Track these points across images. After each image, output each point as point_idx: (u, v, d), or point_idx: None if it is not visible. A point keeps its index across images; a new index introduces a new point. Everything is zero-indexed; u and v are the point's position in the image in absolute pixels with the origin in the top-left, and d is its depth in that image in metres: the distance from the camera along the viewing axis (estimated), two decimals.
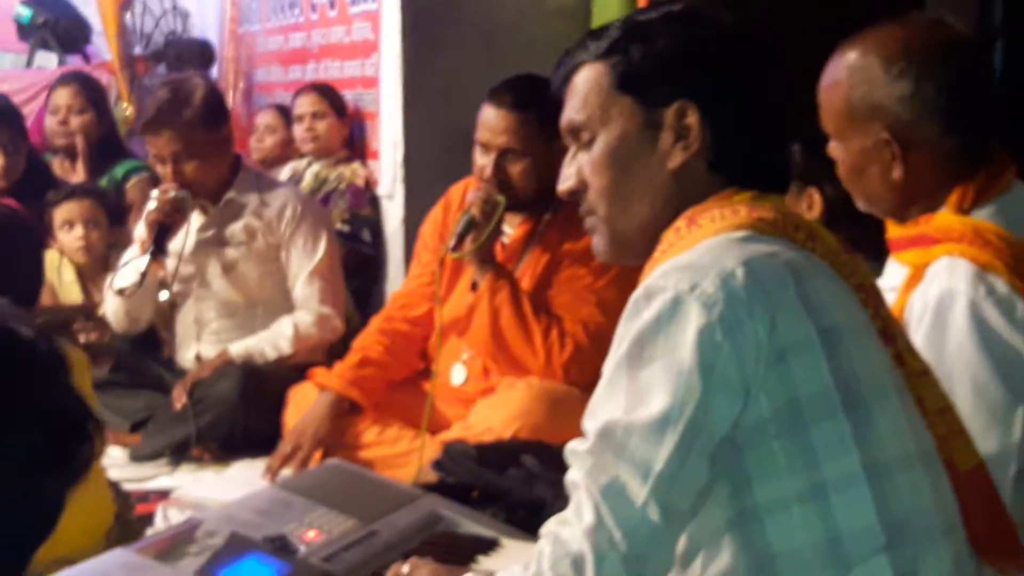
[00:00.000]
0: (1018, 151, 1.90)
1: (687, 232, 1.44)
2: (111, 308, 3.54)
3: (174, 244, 3.46)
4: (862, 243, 1.66)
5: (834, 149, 1.91)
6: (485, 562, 2.05)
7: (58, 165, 4.49)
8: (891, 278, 1.89)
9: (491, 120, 2.92)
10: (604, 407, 1.39)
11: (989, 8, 4.70)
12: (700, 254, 1.39)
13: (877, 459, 1.36)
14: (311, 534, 2.00)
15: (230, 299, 3.53)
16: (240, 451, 3.23)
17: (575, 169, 1.55)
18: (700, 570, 1.41)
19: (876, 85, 1.81)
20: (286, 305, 3.53)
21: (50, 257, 3.58)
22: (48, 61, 6.06)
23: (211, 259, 3.51)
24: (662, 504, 1.34)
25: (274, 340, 3.44)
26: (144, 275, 3.37)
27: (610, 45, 1.50)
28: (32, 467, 0.87)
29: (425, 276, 3.15)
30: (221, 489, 2.79)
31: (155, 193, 3.40)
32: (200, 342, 3.56)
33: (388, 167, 4.16)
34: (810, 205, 2.57)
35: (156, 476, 3.11)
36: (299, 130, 4.45)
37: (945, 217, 1.80)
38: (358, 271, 4.09)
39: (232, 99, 5.36)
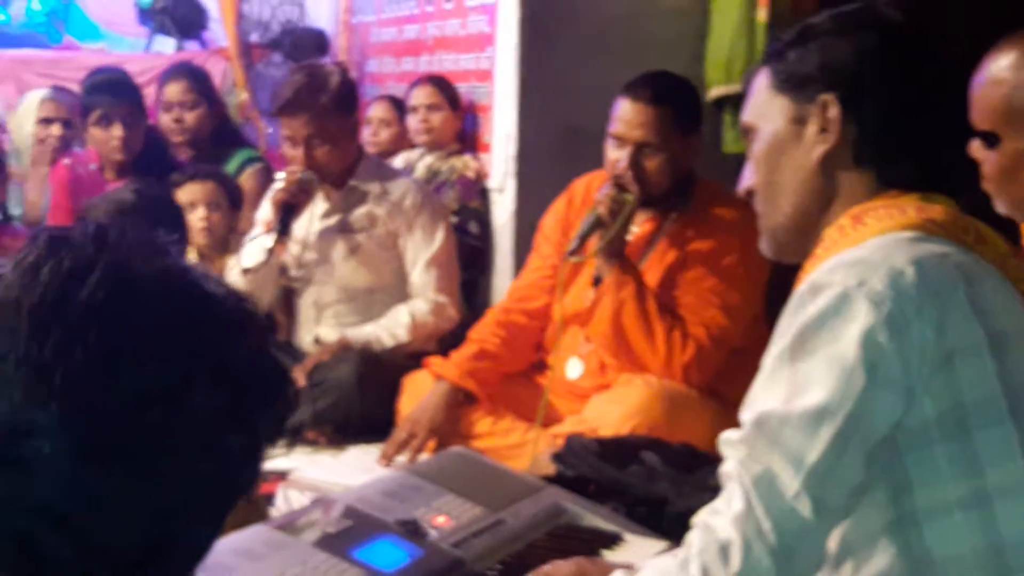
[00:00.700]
0: None
1: (852, 230, 1.43)
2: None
3: (297, 228, 3.50)
4: None
5: (977, 150, 1.87)
6: (608, 556, 2.05)
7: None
8: None
9: (628, 113, 2.89)
10: (762, 398, 1.38)
11: None
12: (869, 251, 1.38)
13: None
14: (441, 519, 2.01)
15: (352, 284, 3.56)
16: (354, 436, 3.24)
17: (750, 170, 1.58)
18: (851, 573, 1.40)
19: None
20: (403, 291, 3.55)
21: None
22: (166, 46, 6.15)
23: (336, 244, 3.54)
24: (814, 498, 1.33)
25: (391, 328, 3.46)
26: (271, 253, 3.42)
27: (777, 49, 1.55)
28: (217, 424, 0.85)
29: (545, 269, 3.15)
30: (338, 473, 2.80)
31: (282, 175, 3.45)
32: (319, 325, 3.59)
33: (500, 161, 4.16)
34: None
35: (272, 457, 3.14)
36: (413, 121, 4.46)
37: None
38: (465, 263, 4.11)
39: None
